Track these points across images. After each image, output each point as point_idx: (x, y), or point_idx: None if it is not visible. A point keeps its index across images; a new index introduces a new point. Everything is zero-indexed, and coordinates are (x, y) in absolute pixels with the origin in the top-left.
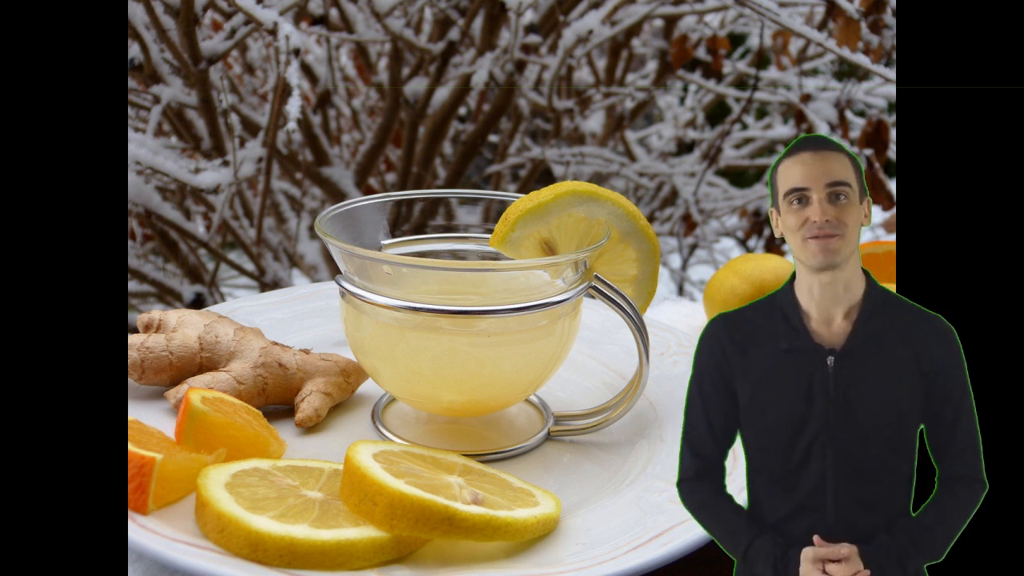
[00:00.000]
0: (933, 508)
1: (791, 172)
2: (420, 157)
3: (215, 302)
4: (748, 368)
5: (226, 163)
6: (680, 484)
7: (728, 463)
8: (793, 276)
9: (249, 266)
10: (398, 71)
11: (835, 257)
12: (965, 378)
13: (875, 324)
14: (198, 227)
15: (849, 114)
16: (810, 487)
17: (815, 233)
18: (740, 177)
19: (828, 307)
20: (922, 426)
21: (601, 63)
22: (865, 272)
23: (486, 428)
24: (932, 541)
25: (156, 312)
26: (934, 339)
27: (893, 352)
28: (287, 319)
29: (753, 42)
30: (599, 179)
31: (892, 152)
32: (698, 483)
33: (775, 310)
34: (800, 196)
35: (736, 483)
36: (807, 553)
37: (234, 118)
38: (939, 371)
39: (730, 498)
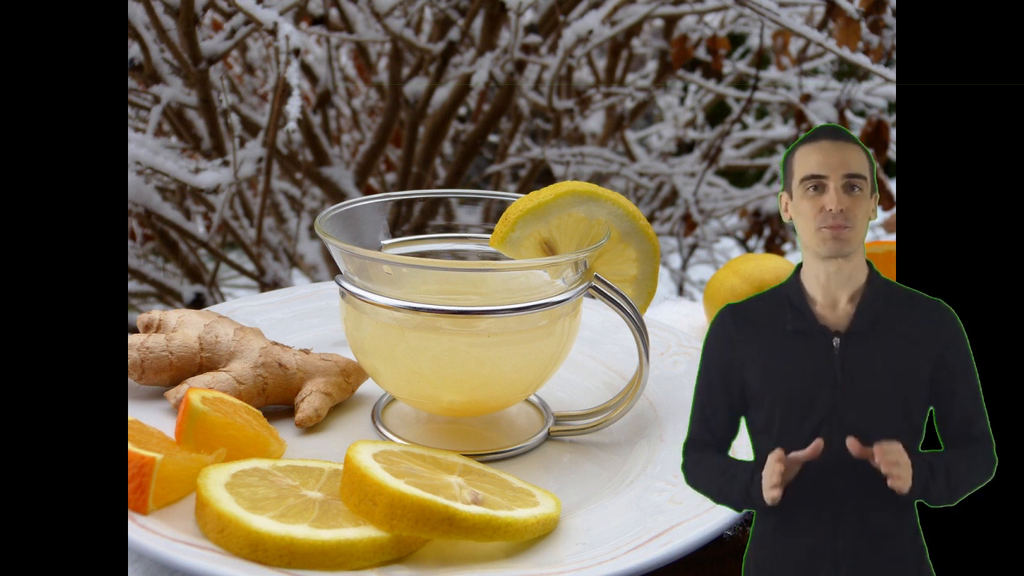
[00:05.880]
0: (946, 456)
1: (809, 159)
2: (420, 157)
3: (215, 302)
4: (756, 354)
5: (226, 163)
6: (685, 449)
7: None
8: (799, 267)
9: (249, 266)
10: (398, 71)
11: (845, 247)
12: (968, 355)
13: (879, 307)
14: (198, 227)
15: (849, 114)
16: (817, 470)
17: (828, 223)
18: (740, 177)
19: (834, 291)
20: (931, 408)
21: (601, 63)
22: (868, 263)
23: (486, 428)
24: (954, 478)
25: (156, 312)
26: (936, 321)
27: (897, 334)
28: (287, 319)
29: (753, 42)
30: (599, 179)
31: (892, 152)
32: (701, 452)
33: (781, 298)
34: (817, 183)
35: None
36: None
37: (234, 118)
38: (943, 351)
39: (727, 455)
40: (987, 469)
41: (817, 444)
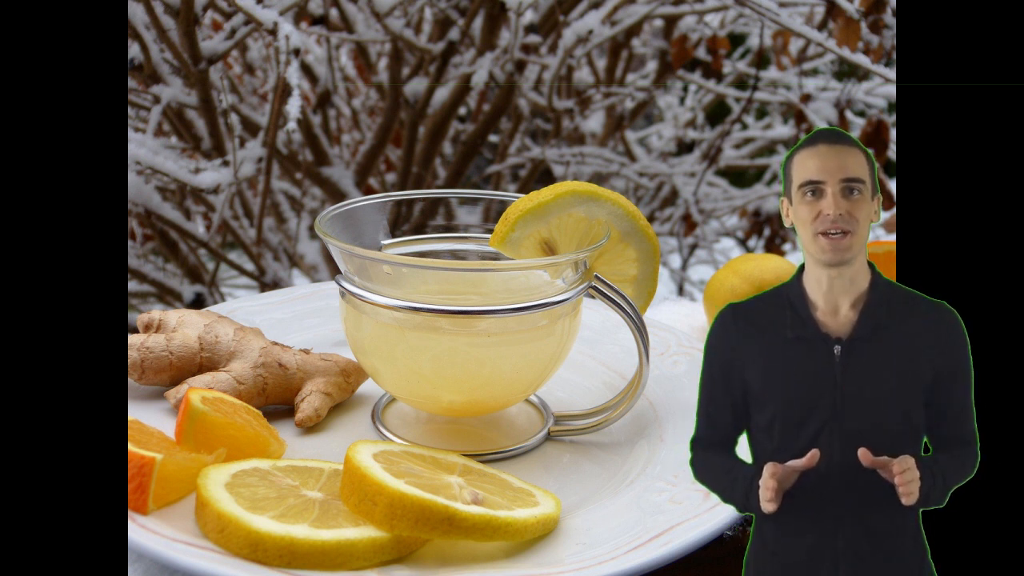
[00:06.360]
0: (942, 461)
1: (807, 164)
2: (420, 157)
3: (215, 302)
4: (757, 355)
5: (226, 163)
6: (692, 446)
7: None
8: (801, 267)
9: (249, 266)
10: (398, 71)
11: (846, 254)
12: (968, 361)
13: (881, 313)
14: (198, 227)
15: (849, 114)
16: (818, 474)
17: (827, 228)
18: (740, 177)
19: (835, 298)
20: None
21: (601, 63)
22: (870, 264)
23: (486, 428)
24: (948, 482)
25: (156, 312)
26: (939, 324)
27: (899, 340)
28: (287, 319)
29: (753, 42)
30: (599, 179)
31: (892, 152)
32: (706, 452)
33: (782, 300)
34: (814, 188)
35: None
36: (770, 468)
37: (234, 118)
38: (944, 355)
39: (733, 455)
40: (972, 469)
41: (813, 454)
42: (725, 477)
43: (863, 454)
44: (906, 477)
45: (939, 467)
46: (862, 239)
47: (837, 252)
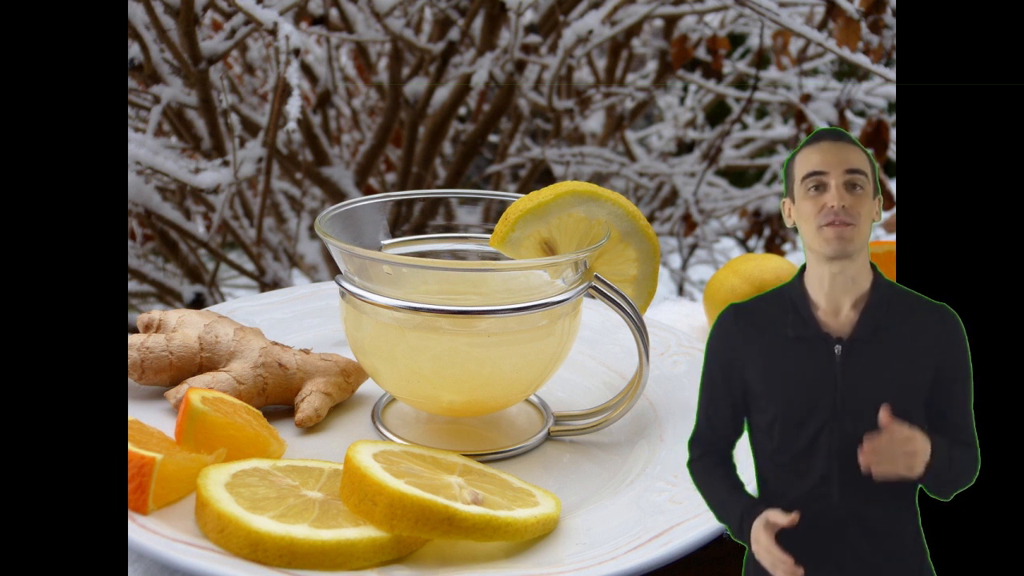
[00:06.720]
0: (949, 445)
1: (810, 158)
2: (420, 157)
3: (215, 302)
4: (757, 355)
5: (226, 163)
6: (691, 445)
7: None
8: (803, 268)
9: (249, 266)
10: (398, 71)
11: (849, 246)
12: (968, 363)
13: (882, 314)
14: (198, 227)
15: (849, 114)
16: (817, 475)
17: (831, 220)
18: (740, 177)
19: (837, 297)
20: None
21: (601, 63)
22: (872, 265)
23: (486, 428)
24: (954, 469)
25: (156, 312)
26: (939, 327)
27: (900, 341)
28: (287, 319)
29: (753, 42)
30: (599, 179)
31: (892, 152)
32: (705, 459)
33: (784, 300)
34: (818, 182)
35: (745, 474)
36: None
37: (234, 118)
38: (944, 357)
39: (732, 472)
40: (972, 473)
41: (794, 517)
42: (722, 492)
43: (883, 413)
44: (909, 447)
45: (952, 450)
46: (864, 235)
47: (842, 242)
